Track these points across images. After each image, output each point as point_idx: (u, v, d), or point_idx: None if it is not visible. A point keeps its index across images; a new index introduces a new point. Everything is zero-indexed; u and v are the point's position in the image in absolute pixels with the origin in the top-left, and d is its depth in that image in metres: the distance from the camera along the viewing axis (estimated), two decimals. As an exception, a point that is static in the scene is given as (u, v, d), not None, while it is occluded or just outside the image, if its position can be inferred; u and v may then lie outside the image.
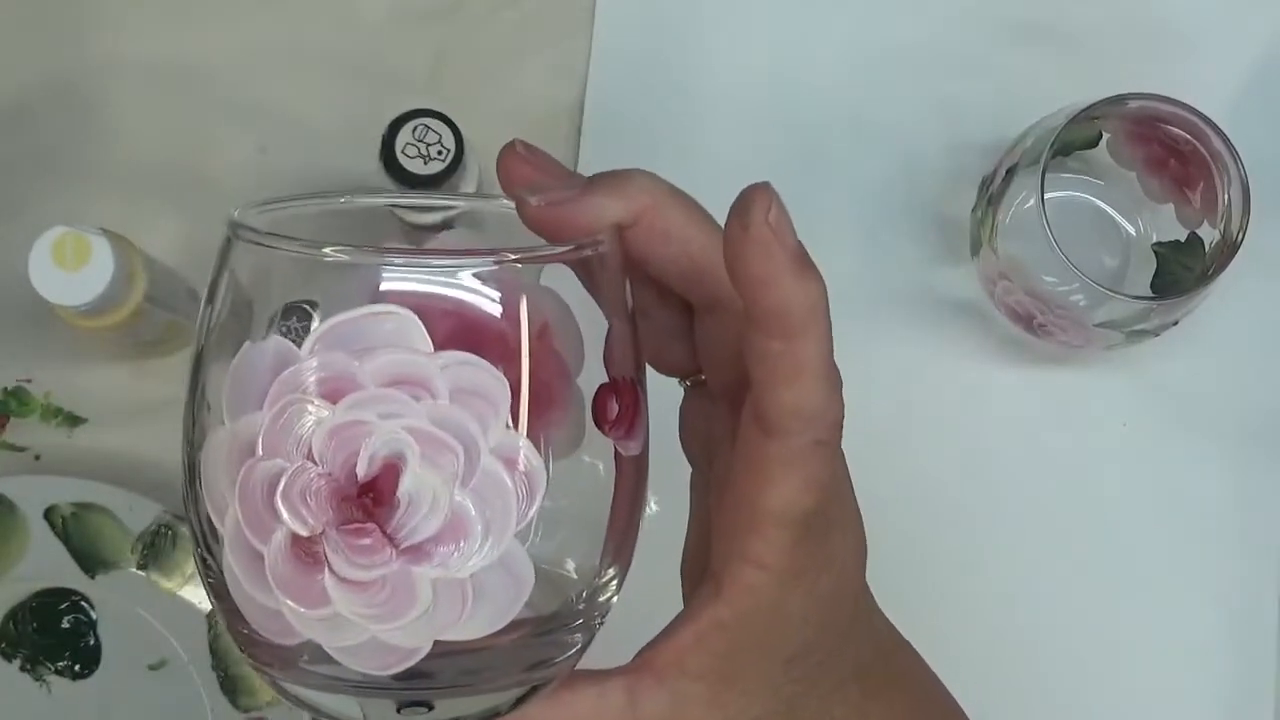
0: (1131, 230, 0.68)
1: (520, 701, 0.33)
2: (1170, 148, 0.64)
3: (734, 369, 0.35)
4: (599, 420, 0.33)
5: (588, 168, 0.70)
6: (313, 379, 0.30)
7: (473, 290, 0.31)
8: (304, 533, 0.30)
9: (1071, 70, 0.70)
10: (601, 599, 0.34)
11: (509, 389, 0.30)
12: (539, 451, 0.31)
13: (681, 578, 0.39)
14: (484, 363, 0.30)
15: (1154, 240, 0.67)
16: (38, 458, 0.68)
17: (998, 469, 0.69)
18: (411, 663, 0.30)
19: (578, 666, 0.35)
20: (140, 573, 0.65)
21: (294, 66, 0.71)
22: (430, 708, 0.32)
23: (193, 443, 0.32)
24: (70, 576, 0.65)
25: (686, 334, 0.37)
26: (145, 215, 0.69)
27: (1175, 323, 0.63)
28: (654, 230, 0.34)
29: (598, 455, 0.33)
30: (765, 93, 0.71)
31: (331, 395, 0.30)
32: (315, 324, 0.48)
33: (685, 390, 0.39)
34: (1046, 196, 0.61)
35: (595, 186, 0.34)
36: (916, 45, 0.72)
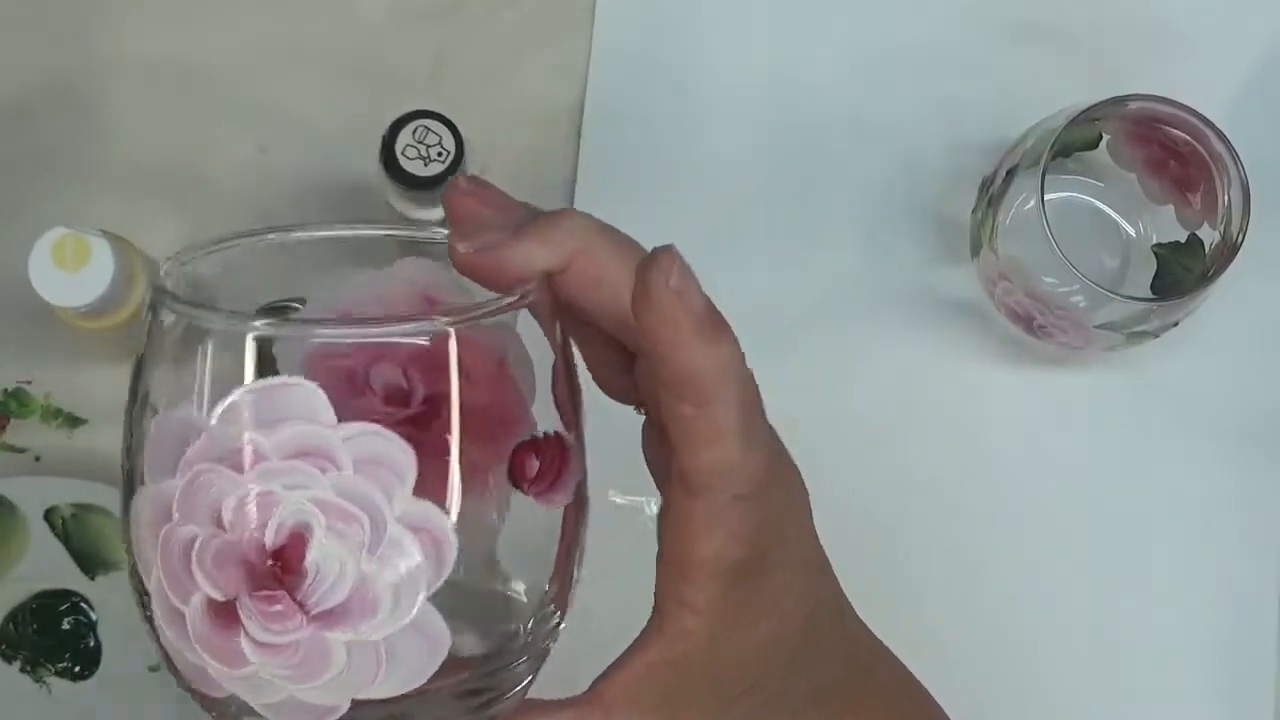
0: (1131, 231, 0.68)
1: None
2: (1170, 149, 0.64)
3: None
4: (516, 480, 0.33)
5: (588, 168, 0.70)
6: (220, 449, 0.30)
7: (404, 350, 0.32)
8: (219, 597, 0.31)
9: (1071, 71, 0.70)
10: (544, 640, 0.35)
11: (414, 458, 0.30)
12: (462, 502, 0.31)
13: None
14: (388, 433, 0.30)
15: (1154, 241, 0.67)
16: (38, 459, 0.68)
17: (998, 470, 0.69)
18: (334, 718, 0.31)
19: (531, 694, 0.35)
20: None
21: (294, 66, 0.71)
22: None
23: (125, 498, 0.33)
24: (70, 577, 0.65)
25: (629, 368, 0.37)
26: (145, 216, 0.69)
27: (1175, 324, 0.63)
28: (585, 276, 0.34)
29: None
30: (765, 93, 0.71)
31: (238, 465, 0.30)
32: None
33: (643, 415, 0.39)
34: (1047, 197, 0.61)
35: (524, 233, 0.34)
36: (916, 45, 0.72)
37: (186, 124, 0.71)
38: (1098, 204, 0.68)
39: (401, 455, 0.30)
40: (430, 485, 0.31)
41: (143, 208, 0.69)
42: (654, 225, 0.73)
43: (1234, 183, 0.62)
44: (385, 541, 0.30)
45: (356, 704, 0.31)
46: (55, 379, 0.68)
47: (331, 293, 0.36)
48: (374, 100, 0.68)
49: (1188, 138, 0.63)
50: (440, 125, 0.60)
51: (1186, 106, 0.62)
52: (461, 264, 0.34)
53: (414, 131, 0.60)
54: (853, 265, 0.70)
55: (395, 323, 0.32)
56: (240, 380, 0.31)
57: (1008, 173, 0.63)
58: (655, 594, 0.35)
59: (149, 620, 0.33)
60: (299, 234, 0.36)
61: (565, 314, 0.35)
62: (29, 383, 0.69)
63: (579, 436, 0.35)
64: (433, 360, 0.32)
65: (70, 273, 0.58)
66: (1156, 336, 0.64)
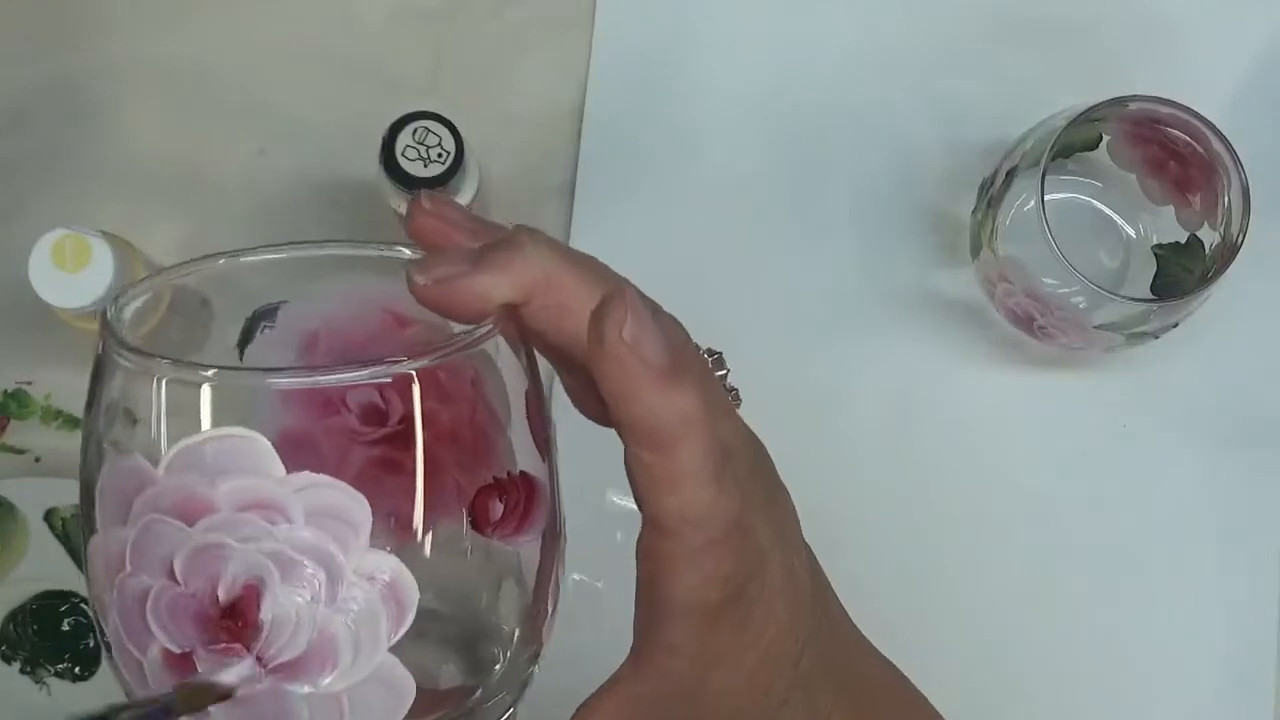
0: (1131, 232, 0.68)
1: None
2: (1170, 150, 0.64)
3: None
4: (478, 525, 0.32)
5: (588, 168, 0.70)
6: (169, 500, 0.30)
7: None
8: (175, 649, 0.30)
9: (1071, 71, 0.70)
10: (523, 670, 0.34)
11: (368, 509, 0.30)
12: (434, 538, 0.31)
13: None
14: (341, 484, 0.30)
15: (1154, 242, 0.67)
16: (38, 460, 0.68)
17: (997, 470, 0.69)
18: None
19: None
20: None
21: (294, 67, 0.71)
22: None
23: (84, 553, 0.32)
24: (70, 578, 0.65)
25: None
26: (145, 217, 0.69)
27: (1175, 325, 0.63)
28: (548, 306, 0.33)
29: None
30: (765, 93, 0.71)
31: (187, 517, 0.30)
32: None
33: None
34: (1046, 198, 0.61)
35: (483, 264, 0.32)
36: (916, 45, 0.72)
37: (186, 124, 0.71)
38: (1098, 205, 0.68)
39: (355, 506, 0.30)
40: (409, 505, 0.31)
41: (143, 208, 0.69)
42: (654, 225, 0.73)
43: (1234, 183, 0.62)
44: (342, 594, 0.30)
45: None
46: (55, 380, 0.69)
47: (299, 315, 0.35)
48: (374, 100, 0.68)
49: (1188, 138, 0.63)
50: (440, 126, 0.60)
51: (1186, 107, 0.62)
52: (420, 296, 0.32)
53: (414, 132, 0.60)
54: (853, 265, 0.70)
55: (355, 368, 0.30)
56: (190, 430, 0.30)
57: (1007, 173, 0.63)
58: (634, 630, 0.34)
59: (110, 659, 0.32)
60: (249, 258, 0.35)
61: (534, 340, 0.34)
62: (29, 384, 0.69)
63: (551, 465, 0.34)
64: (409, 381, 0.31)
65: (70, 274, 0.58)
66: (1156, 337, 0.64)
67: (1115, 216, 0.68)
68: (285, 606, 0.30)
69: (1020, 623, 0.68)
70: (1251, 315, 0.69)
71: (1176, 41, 0.71)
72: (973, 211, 0.66)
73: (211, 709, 0.30)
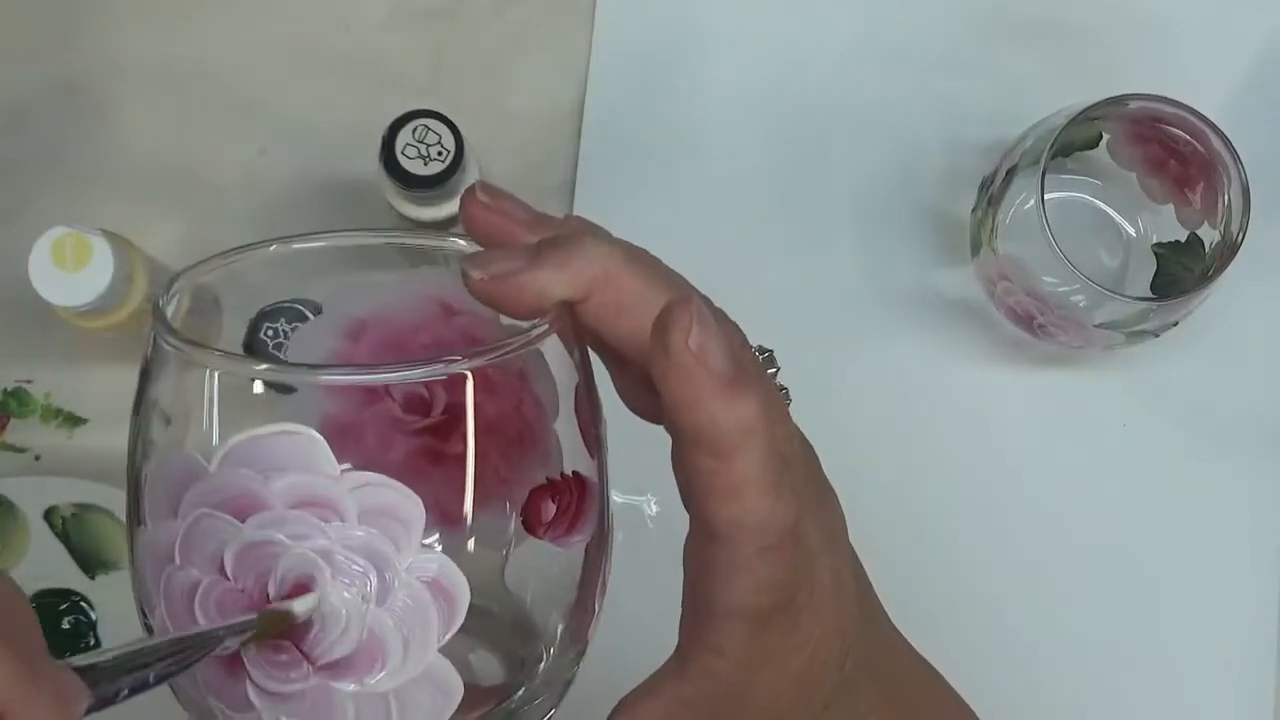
0: (1131, 231, 0.68)
1: None
2: (1170, 148, 0.64)
3: None
4: (530, 526, 0.32)
5: (588, 167, 0.70)
6: (221, 496, 0.30)
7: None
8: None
9: (1071, 70, 0.70)
10: (566, 671, 0.34)
11: (422, 508, 0.29)
12: (481, 536, 0.31)
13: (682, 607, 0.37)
14: (394, 483, 0.29)
15: (1154, 241, 0.67)
16: (38, 458, 0.68)
17: (997, 469, 0.69)
18: None
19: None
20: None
21: (294, 66, 0.71)
22: None
23: (131, 549, 0.32)
24: (70, 577, 0.65)
25: (654, 389, 0.34)
26: (145, 216, 0.69)
27: (1175, 323, 0.63)
28: (606, 305, 0.32)
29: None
30: (765, 93, 0.71)
31: (239, 513, 0.29)
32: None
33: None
34: (1046, 197, 0.61)
35: (541, 260, 0.32)
36: (916, 45, 0.72)
37: (186, 124, 0.71)
38: (1097, 203, 0.68)
39: (408, 505, 0.29)
40: (452, 497, 0.30)
41: (143, 208, 0.69)
42: (654, 225, 0.73)
43: (1234, 182, 0.62)
44: (393, 593, 0.30)
45: None
46: (55, 379, 0.69)
47: (347, 302, 0.35)
48: (374, 100, 0.68)
49: (1188, 137, 0.63)
50: (440, 125, 0.60)
51: (1186, 106, 0.62)
52: (476, 291, 0.32)
53: (414, 131, 0.60)
54: (853, 265, 0.70)
55: (408, 367, 0.30)
56: (243, 424, 0.30)
57: (1008, 172, 0.63)
58: (680, 630, 0.34)
59: None
60: (301, 244, 0.34)
61: (588, 337, 0.34)
62: (29, 382, 0.69)
63: (601, 463, 0.34)
64: (460, 378, 0.30)
65: (70, 272, 0.58)
66: (1156, 336, 0.64)
67: (1115, 215, 0.68)
68: (335, 605, 0.29)
69: (1020, 622, 0.68)
70: (1251, 314, 0.69)
71: (1176, 41, 0.71)
72: (973, 210, 0.66)
73: (259, 706, 0.30)
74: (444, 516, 0.30)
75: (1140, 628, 0.68)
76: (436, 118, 0.60)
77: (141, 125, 0.71)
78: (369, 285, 0.35)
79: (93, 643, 0.65)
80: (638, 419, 0.37)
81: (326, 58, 0.72)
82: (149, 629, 0.32)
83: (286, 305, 0.50)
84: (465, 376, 0.30)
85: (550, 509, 0.32)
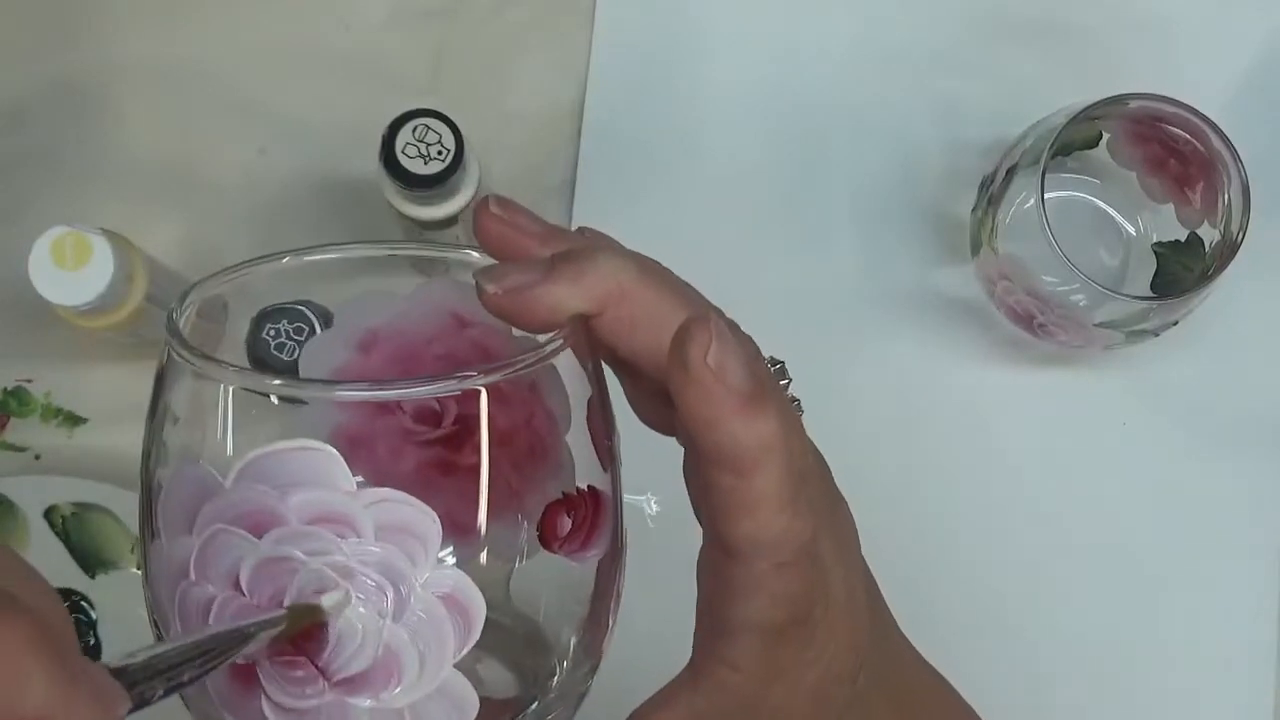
0: (1131, 230, 0.68)
1: None
2: (1170, 147, 0.64)
3: None
4: (546, 539, 0.32)
5: (588, 167, 0.70)
6: (237, 511, 0.29)
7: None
8: (238, 660, 0.30)
9: (1071, 70, 0.70)
10: (580, 685, 0.34)
11: (438, 525, 0.29)
12: (495, 552, 0.30)
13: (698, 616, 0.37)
14: (411, 499, 0.29)
15: (1154, 240, 0.67)
16: (38, 458, 0.68)
17: (997, 469, 0.69)
18: None
19: None
20: (140, 573, 0.65)
21: (294, 66, 0.71)
22: None
23: (145, 563, 0.32)
24: (70, 576, 0.65)
25: (668, 401, 0.34)
26: (145, 215, 0.69)
27: (1175, 323, 0.63)
28: (620, 320, 0.32)
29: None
30: (765, 93, 0.71)
31: (255, 529, 0.29)
32: (319, 329, 0.47)
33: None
34: (1046, 196, 0.61)
35: (555, 274, 0.32)
36: (916, 45, 0.72)
37: (186, 124, 0.71)
38: (1098, 203, 0.68)
39: (425, 521, 0.29)
40: (463, 508, 0.30)
41: (143, 208, 0.69)
42: (654, 224, 0.73)
43: (1234, 182, 0.62)
44: (409, 609, 0.29)
45: None
46: (55, 378, 0.69)
47: (358, 314, 0.34)
48: (374, 100, 0.68)
49: (1188, 136, 0.63)
50: (440, 124, 0.60)
51: (1186, 105, 0.62)
52: (490, 305, 0.32)
53: (414, 130, 0.60)
54: (853, 265, 0.70)
55: (422, 383, 0.30)
56: (255, 436, 0.30)
57: (1008, 172, 0.63)
58: (694, 642, 0.34)
59: None
60: (313, 256, 0.34)
61: (601, 351, 0.33)
62: (29, 382, 0.69)
63: (614, 476, 0.33)
64: (473, 392, 0.30)
65: (70, 272, 0.58)
66: (1156, 335, 0.64)
67: (1115, 214, 0.68)
68: (351, 621, 0.29)
69: (1020, 622, 0.68)
70: (1251, 314, 0.69)
71: (1176, 40, 0.71)
72: (973, 210, 0.66)
73: (272, 717, 0.30)
74: (454, 528, 0.30)
75: (1140, 627, 0.68)
76: (437, 117, 0.60)
77: (141, 125, 0.71)
78: (381, 296, 0.35)
79: (93, 642, 0.65)
80: (634, 419, 0.37)
81: (326, 58, 0.72)
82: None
83: (288, 306, 0.50)
84: (479, 391, 0.30)
85: (566, 524, 0.32)
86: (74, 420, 0.68)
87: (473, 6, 0.72)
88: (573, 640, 0.33)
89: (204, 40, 0.72)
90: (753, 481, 0.31)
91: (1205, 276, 0.62)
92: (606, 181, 0.70)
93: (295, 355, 0.51)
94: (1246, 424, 0.69)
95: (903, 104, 0.71)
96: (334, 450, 0.29)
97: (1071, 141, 0.65)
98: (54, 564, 0.65)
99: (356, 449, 0.31)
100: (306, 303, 0.49)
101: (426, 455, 0.32)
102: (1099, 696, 0.67)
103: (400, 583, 0.29)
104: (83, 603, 0.65)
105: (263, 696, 0.30)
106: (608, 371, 0.35)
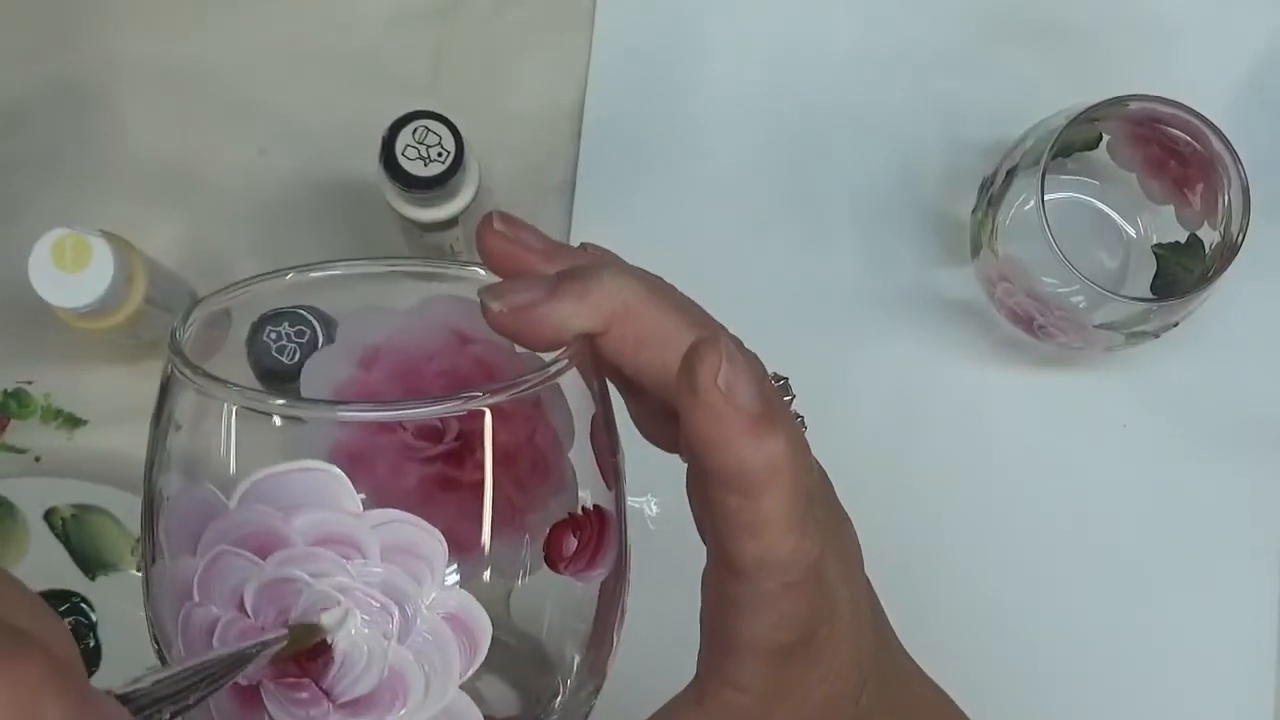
0: (1131, 232, 0.68)
1: None
2: (1170, 149, 0.64)
3: None
4: (552, 561, 0.32)
5: (588, 167, 0.70)
6: (241, 532, 0.29)
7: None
8: (242, 682, 0.30)
9: (1071, 71, 0.70)
10: (583, 705, 0.34)
11: (444, 546, 0.29)
12: (499, 571, 0.30)
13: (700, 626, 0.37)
14: (417, 519, 0.29)
15: (1154, 242, 0.67)
16: (38, 459, 0.68)
17: (997, 470, 0.69)
18: None
19: None
20: (140, 574, 0.65)
21: (294, 67, 0.71)
22: None
23: (147, 583, 0.32)
24: (70, 578, 0.65)
25: (672, 419, 0.34)
26: (145, 216, 0.69)
27: (1175, 324, 0.63)
28: (626, 339, 0.32)
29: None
30: (765, 93, 0.71)
31: (260, 550, 0.29)
32: (319, 332, 0.47)
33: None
34: (1046, 198, 0.61)
35: (561, 292, 0.32)
36: (916, 45, 0.72)
37: (186, 124, 0.71)
38: (1098, 204, 0.68)
39: (430, 542, 0.29)
40: (465, 525, 0.30)
41: (143, 208, 0.69)
42: (654, 225, 0.73)
43: (1234, 183, 0.62)
44: (415, 630, 0.29)
45: None
46: (55, 380, 0.68)
47: (360, 329, 0.34)
48: (374, 100, 0.68)
49: (1188, 138, 0.63)
50: (440, 125, 0.60)
51: (1186, 106, 0.62)
52: (495, 323, 0.32)
53: (414, 132, 0.60)
54: (853, 265, 0.70)
55: (427, 403, 0.30)
56: (257, 452, 0.29)
57: (1008, 173, 0.63)
58: (698, 662, 0.34)
59: None
60: (317, 273, 0.34)
61: (606, 369, 0.33)
62: (29, 383, 0.69)
63: (619, 494, 0.33)
64: (477, 411, 0.30)
65: (70, 273, 0.58)
66: (1156, 337, 0.64)
67: (1115, 216, 0.68)
68: (357, 642, 0.29)
69: (1020, 622, 0.68)
70: (1251, 315, 0.69)
71: (1176, 41, 0.71)
72: (973, 211, 0.66)
73: None
74: (455, 545, 0.30)
75: (1140, 628, 0.68)
76: (436, 119, 0.60)
77: (141, 125, 0.71)
78: (382, 312, 0.35)
79: (93, 644, 0.65)
80: (641, 435, 0.37)
81: (326, 58, 0.72)
82: (164, 662, 0.31)
83: (288, 310, 0.50)
84: (482, 412, 0.30)
85: (572, 544, 0.32)
86: (74, 422, 0.68)
87: (473, 7, 0.72)
88: (576, 659, 0.33)
89: (204, 40, 0.72)
90: (760, 502, 0.30)
91: (1205, 278, 0.62)
92: (606, 181, 0.70)
93: (296, 358, 0.52)
94: (1246, 425, 0.69)
95: (903, 105, 0.71)
96: (339, 471, 0.29)
97: (1071, 143, 0.65)
98: (54, 566, 0.65)
99: (357, 465, 0.31)
100: (307, 307, 0.49)
101: (428, 472, 0.32)
102: (1100, 697, 0.68)
103: (405, 604, 0.29)
104: (83, 604, 0.65)
105: (266, 718, 0.30)
106: (611, 388, 0.34)
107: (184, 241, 0.69)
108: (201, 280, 0.67)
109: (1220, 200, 0.63)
